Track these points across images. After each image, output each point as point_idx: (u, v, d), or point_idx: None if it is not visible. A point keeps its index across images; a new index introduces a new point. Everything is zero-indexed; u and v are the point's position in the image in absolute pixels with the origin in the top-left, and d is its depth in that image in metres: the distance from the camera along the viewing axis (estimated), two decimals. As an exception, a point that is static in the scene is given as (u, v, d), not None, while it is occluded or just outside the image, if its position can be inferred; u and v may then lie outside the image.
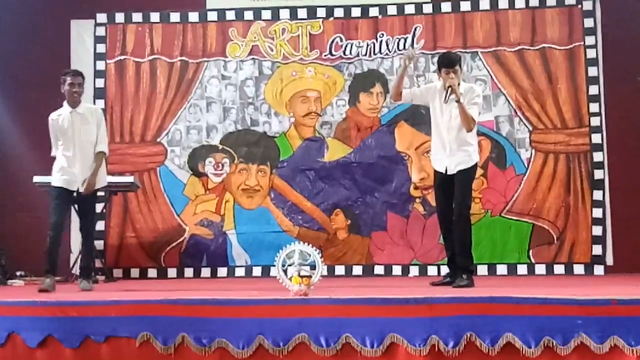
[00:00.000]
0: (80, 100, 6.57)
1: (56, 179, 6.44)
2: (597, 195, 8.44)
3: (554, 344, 4.36)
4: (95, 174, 6.45)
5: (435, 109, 6.33)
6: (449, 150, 6.22)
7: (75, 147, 6.44)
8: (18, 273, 8.25)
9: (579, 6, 8.67)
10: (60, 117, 6.51)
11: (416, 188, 8.60)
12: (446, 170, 6.25)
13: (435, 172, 6.42)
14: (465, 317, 4.49)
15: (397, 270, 8.53)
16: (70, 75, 6.51)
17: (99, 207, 8.55)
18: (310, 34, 8.96)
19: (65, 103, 6.54)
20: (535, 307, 4.46)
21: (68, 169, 6.41)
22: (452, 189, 6.26)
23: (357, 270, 8.59)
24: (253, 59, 8.99)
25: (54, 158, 6.54)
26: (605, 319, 4.34)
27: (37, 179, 7.73)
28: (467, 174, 6.24)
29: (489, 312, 4.49)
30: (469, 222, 6.29)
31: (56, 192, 6.40)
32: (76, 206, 6.79)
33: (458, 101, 6.03)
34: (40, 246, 7.97)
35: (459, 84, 6.15)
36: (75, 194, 6.46)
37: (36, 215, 8.23)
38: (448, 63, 6.19)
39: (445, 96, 6.15)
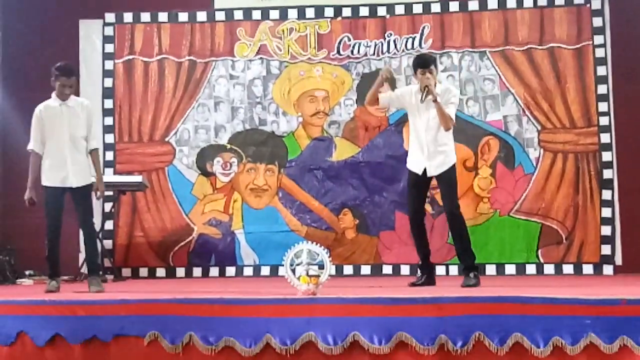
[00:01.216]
0: (70, 96, 6.34)
1: (48, 179, 6.22)
2: (606, 194, 8.42)
3: (563, 343, 4.33)
4: (100, 177, 6.41)
5: (413, 111, 6.31)
6: (427, 151, 6.20)
7: (65, 141, 6.20)
8: (27, 272, 8.29)
9: (588, 5, 8.64)
10: (47, 109, 6.28)
11: (424, 188, 8.58)
12: (424, 172, 6.24)
13: (410, 173, 6.40)
14: (473, 317, 4.46)
15: (405, 269, 8.52)
16: (63, 76, 6.22)
17: (107, 207, 8.64)
18: (318, 33, 8.96)
19: (53, 95, 6.30)
20: (544, 307, 4.44)
21: (59, 166, 6.19)
22: (426, 191, 6.40)
23: (366, 269, 8.60)
24: (261, 58, 9.00)
25: (29, 153, 6.29)
26: (615, 319, 4.31)
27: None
28: (449, 175, 6.26)
29: (498, 311, 4.47)
30: (463, 220, 6.29)
31: (50, 193, 6.21)
32: (73, 202, 6.41)
33: (435, 100, 6.04)
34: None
35: (435, 85, 6.15)
36: (69, 190, 6.24)
37: (44, 215, 8.25)
38: (422, 64, 6.20)
39: (422, 96, 6.13)
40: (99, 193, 6.39)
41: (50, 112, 6.27)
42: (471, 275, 6.12)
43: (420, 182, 6.32)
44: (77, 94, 6.73)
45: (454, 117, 6.18)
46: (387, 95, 6.65)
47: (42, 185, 6.27)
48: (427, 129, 6.21)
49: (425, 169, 6.24)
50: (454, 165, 6.30)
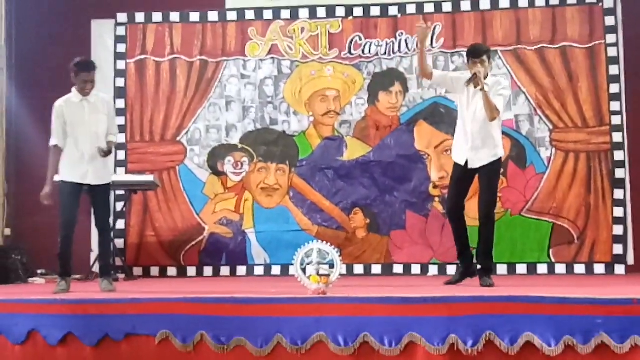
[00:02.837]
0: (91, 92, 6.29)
1: (67, 174, 6.17)
2: (618, 194, 8.38)
3: (575, 343, 4.32)
4: (111, 145, 6.27)
5: (462, 101, 6.24)
6: (472, 143, 6.13)
7: (86, 138, 6.17)
8: (39, 271, 8.32)
9: (600, 4, 8.59)
10: (68, 104, 6.24)
11: (435, 187, 8.58)
12: (466, 164, 6.17)
13: (455, 165, 6.33)
14: (484, 317, 4.46)
15: (416, 269, 8.52)
16: (84, 71, 6.18)
17: (119, 206, 8.66)
18: (329, 33, 8.96)
19: (74, 90, 6.26)
20: (555, 306, 4.43)
21: (79, 162, 6.15)
22: (468, 185, 6.25)
23: (376, 269, 8.59)
24: (272, 58, 9.01)
25: (49, 148, 6.26)
26: (626, 319, 4.30)
27: (57, 178, 7.75)
28: (492, 171, 6.16)
29: (508, 311, 4.46)
30: (494, 223, 6.21)
31: (67, 189, 6.13)
32: (91, 201, 6.39)
33: (482, 89, 5.94)
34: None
35: (486, 76, 6.08)
36: (87, 187, 6.21)
37: (57, 214, 8.26)
38: (474, 53, 6.14)
39: (469, 81, 6.05)
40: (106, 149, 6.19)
41: (72, 107, 6.23)
42: (487, 277, 6.09)
43: (463, 175, 6.23)
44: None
45: (501, 109, 6.08)
46: (443, 74, 6.65)
47: (60, 181, 6.22)
48: (473, 120, 6.13)
49: (467, 161, 6.18)
50: (498, 160, 6.20)
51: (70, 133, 6.20)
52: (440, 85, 7.00)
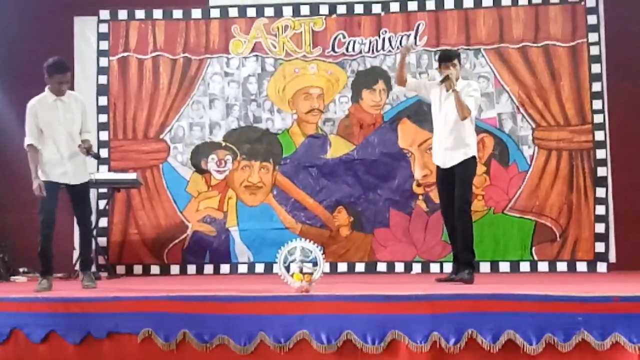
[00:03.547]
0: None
1: (46, 173, 6.16)
2: (600, 192, 8.42)
3: (555, 341, 4.36)
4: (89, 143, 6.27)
5: (435, 104, 6.48)
6: (445, 144, 6.34)
7: (62, 137, 6.18)
8: (21, 269, 8.28)
9: (582, 3, 8.62)
10: (42, 104, 6.22)
11: (419, 185, 8.59)
12: (444, 164, 6.37)
13: (437, 168, 6.55)
14: (466, 314, 4.49)
15: (399, 267, 8.54)
16: (58, 73, 6.18)
17: (102, 204, 8.63)
18: (312, 30, 8.95)
19: (47, 90, 6.25)
20: (537, 304, 4.46)
21: (58, 162, 6.18)
22: (452, 186, 6.35)
23: (360, 267, 8.59)
24: (256, 55, 8.99)
25: (24, 149, 6.23)
26: (607, 316, 4.34)
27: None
28: (465, 168, 6.32)
29: (491, 309, 4.50)
30: (470, 217, 6.35)
31: (46, 188, 6.10)
32: (70, 199, 6.44)
33: (454, 90, 6.15)
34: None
35: (457, 79, 6.31)
36: (65, 186, 6.25)
37: (38, 210, 8.25)
38: (446, 58, 6.41)
39: (441, 82, 6.30)
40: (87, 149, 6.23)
41: (45, 107, 6.22)
42: (466, 270, 6.15)
43: (444, 176, 6.43)
44: (72, 90, 6.68)
45: (472, 110, 6.27)
46: (416, 81, 6.95)
47: (42, 181, 6.18)
48: (445, 122, 6.35)
49: (443, 161, 6.39)
50: (470, 159, 6.34)
51: (46, 133, 6.20)
52: (414, 91, 7.09)
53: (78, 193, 6.33)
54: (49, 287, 6.04)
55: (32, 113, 6.23)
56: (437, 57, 6.64)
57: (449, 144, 6.32)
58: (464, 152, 6.30)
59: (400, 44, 8.74)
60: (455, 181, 6.33)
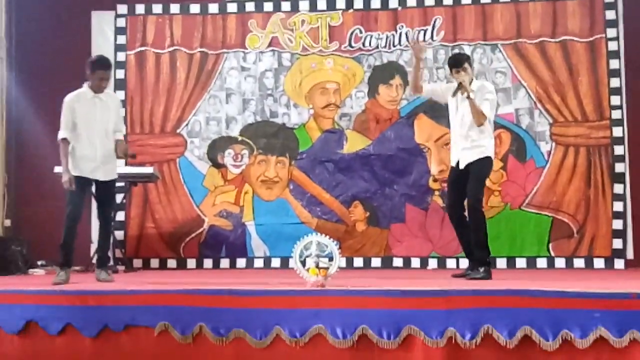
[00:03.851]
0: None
1: (76, 168, 6.17)
2: (618, 188, 8.39)
3: (572, 337, 4.33)
4: (125, 147, 6.48)
5: (452, 107, 6.45)
6: (462, 146, 6.32)
7: (96, 135, 6.23)
8: (39, 262, 8.32)
9: (601, -2, 8.60)
10: (80, 99, 6.24)
11: (435, 180, 8.59)
12: (458, 164, 6.35)
13: (450, 168, 6.55)
14: (482, 310, 4.46)
15: (415, 262, 8.53)
16: (101, 69, 6.22)
17: (119, 198, 8.66)
18: (329, 25, 8.95)
19: (86, 86, 6.29)
20: (553, 300, 4.44)
21: (90, 157, 6.21)
22: (464, 187, 6.32)
23: (376, 262, 8.60)
24: (272, 50, 9.00)
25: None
26: (624, 313, 4.31)
27: (58, 169, 7.74)
28: (479, 167, 6.28)
29: (507, 304, 4.47)
30: (482, 215, 6.29)
31: (76, 182, 6.12)
32: (96, 195, 6.56)
33: (468, 97, 6.14)
34: (61, 235, 8.09)
35: (471, 82, 6.30)
36: (94, 182, 6.31)
37: (57, 205, 8.21)
38: (454, 64, 6.37)
39: (455, 92, 6.31)
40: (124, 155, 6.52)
41: (83, 103, 6.25)
42: (480, 269, 6.13)
43: (457, 177, 6.40)
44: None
45: (488, 113, 6.23)
46: (432, 87, 6.87)
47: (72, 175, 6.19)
48: (461, 124, 6.32)
49: (459, 161, 6.36)
50: (484, 158, 6.30)
51: (81, 128, 6.22)
52: (432, 97, 7.07)
53: (105, 190, 6.39)
54: (67, 279, 6.07)
55: (69, 107, 6.23)
56: (447, 62, 6.56)
57: (465, 145, 6.30)
58: (480, 152, 6.27)
59: (417, 39, 8.72)
60: (468, 179, 6.31)
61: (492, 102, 6.37)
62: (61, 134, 6.20)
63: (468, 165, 6.28)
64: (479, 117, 6.15)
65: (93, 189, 6.47)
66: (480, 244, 6.26)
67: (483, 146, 6.28)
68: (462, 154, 6.32)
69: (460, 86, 6.24)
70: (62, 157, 6.19)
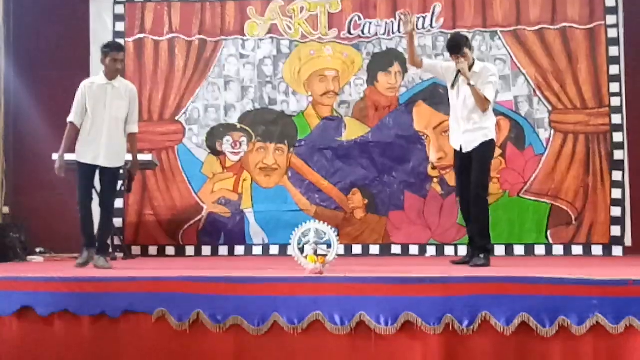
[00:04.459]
0: (119, 74, 6.44)
1: (82, 155, 6.27)
2: (617, 176, 8.39)
3: (569, 323, 4.35)
4: (137, 160, 6.57)
5: (452, 90, 6.38)
6: (464, 128, 6.27)
7: (104, 120, 6.27)
8: (37, 249, 8.32)
9: (600, -15, 8.58)
10: (94, 85, 6.33)
11: (434, 168, 8.58)
12: (461, 148, 6.30)
13: (454, 153, 6.48)
14: (480, 297, 4.48)
15: (414, 249, 8.54)
16: (113, 50, 6.33)
17: (117, 185, 8.65)
18: (328, 12, 8.92)
19: (102, 73, 6.38)
20: (551, 287, 4.45)
21: (94, 143, 6.25)
22: (470, 170, 6.28)
23: (374, 249, 8.60)
24: (271, 37, 8.98)
25: (66, 124, 6.33)
26: (621, 300, 4.32)
27: (56, 156, 7.75)
28: (483, 153, 6.24)
29: (504, 291, 4.48)
30: (486, 202, 6.31)
31: (82, 169, 6.27)
32: (100, 181, 6.52)
33: (469, 84, 6.09)
34: (60, 223, 8.14)
35: (472, 65, 6.24)
36: (98, 169, 6.34)
37: (55, 192, 8.30)
38: (452, 49, 6.28)
39: (454, 82, 6.25)
40: (134, 169, 6.59)
41: (96, 89, 6.32)
42: (481, 255, 6.14)
43: (461, 161, 6.35)
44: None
45: (490, 97, 6.18)
46: (433, 63, 6.76)
47: (76, 161, 6.33)
48: (463, 106, 6.26)
49: (461, 146, 6.31)
50: (488, 142, 6.26)
51: (90, 114, 6.29)
52: (430, 73, 7.03)
53: (107, 176, 6.41)
54: (89, 258, 6.26)
55: (80, 92, 6.35)
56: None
57: (468, 127, 6.24)
58: (484, 134, 6.23)
59: (417, 26, 8.69)
60: (472, 165, 6.29)
61: (495, 85, 6.33)
62: (69, 117, 6.32)
63: (471, 150, 6.25)
64: (482, 103, 6.12)
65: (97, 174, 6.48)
66: (483, 231, 6.27)
67: (486, 128, 6.24)
68: (465, 137, 6.26)
69: (458, 73, 6.20)
70: (63, 139, 6.29)
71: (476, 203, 6.25)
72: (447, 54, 8.30)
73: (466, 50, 6.22)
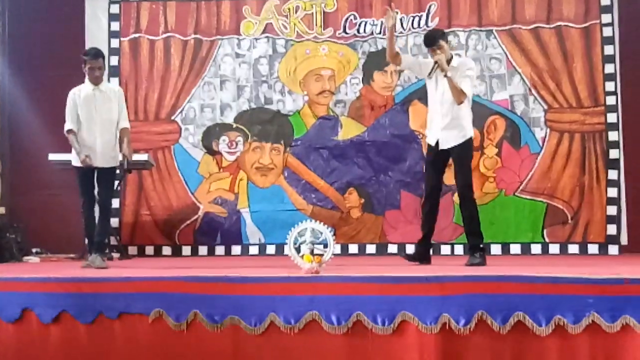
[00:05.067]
0: (102, 80, 6.60)
1: (78, 160, 6.42)
2: (612, 174, 8.40)
3: (565, 323, 4.35)
4: (130, 148, 6.59)
5: (431, 83, 6.36)
6: (442, 124, 6.24)
7: (96, 124, 6.46)
8: (34, 250, 8.31)
9: (596, -16, 8.58)
10: (81, 92, 6.50)
11: (430, 167, 8.57)
12: (437, 144, 6.26)
13: (428, 147, 6.46)
14: (476, 296, 4.48)
15: (410, 249, 8.46)
16: (90, 58, 6.49)
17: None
18: (324, 11, 8.92)
19: (86, 80, 6.53)
20: (547, 285, 4.45)
21: (88, 146, 6.41)
22: (443, 167, 6.36)
23: (371, 249, 8.61)
24: (267, 37, 8.97)
25: (62, 123, 6.49)
26: (617, 298, 4.33)
27: (52, 156, 7.78)
28: (464, 153, 6.27)
29: (500, 290, 4.49)
30: (473, 201, 6.30)
31: (81, 173, 6.45)
32: (97, 181, 6.68)
33: (445, 75, 6.08)
34: (56, 223, 8.15)
35: (450, 59, 6.24)
36: (96, 170, 6.49)
37: (51, 192, 8.32)
38: (429, 43, 6.29)
39: (431, 71, 6.21)
40: (125, 163, 6.57)
41: (83, 96, 6.49)
42: (476, 254, 6.15)
43: (435, 157, 6.34)
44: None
45: (468, 91, 6.18)
46: (411, 59, 6.71)
47: (74, 166, 6.51)
48: (442, 101, 6.24)
49: (438, 141, 6.27)
50: (468, 140, 6.28)
51: (82, 120, 6.48)
52: (410, 70, 7.03)
53: (103, 176, 6.57)
54: (96, 261, 6.29)
55: (70, 100, 6.51)
56: (417, 40, 6.52)
57: (445, 123, 6.22)
58: (462, 134, 6.23)
59: (412, 25, 8.72)
60: (446, 163, 6.34)
61: (472, 79, 6.36)
62: (66, 126, 6.49)
63: (450, 149, 6.24)
64: (458, 95, 6.11)
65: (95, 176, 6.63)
66: (475, 230, 6.29)
67: (462, 125, 6.23)
68: (442, 134, 6.24)
69: (435, 66, 6.17)
70: (73, 145, 6.46)
71: (465, 203, 6.26)
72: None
73: (442, 42, 6.22)
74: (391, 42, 6.41)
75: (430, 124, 6.43)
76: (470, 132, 6.30)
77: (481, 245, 6.29)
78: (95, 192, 6.58)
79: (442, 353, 4.46)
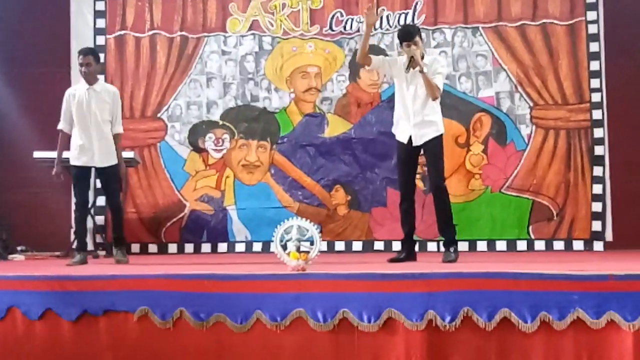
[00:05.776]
0: (95, 78, 6.67)
1: (76, 158, 6.53)
2: (598, 171, 8.43)
3: (550, 319, 4.36)
4: (121, 160, 6.70)
5: (401, 80, 6.28)
6: (414, 120, 6.19)
7: (91, 124, 6.52)
8: (19, 248, 8.28)
9: (580, -20, 8.61)
10: (76, 92, 6.58)
11: (416, 164, 8.58)
12: (410, 141, 6.22)
13: (399, 144, 6.38)
14: (462, 293, 4.49)
15: (397, 245, 8.47)
16: (79, 55, 6.61)
17: (99, 183, 8.62)
18: (310, 9, 8.92)
19: (82, 79, 6.61)
20: (532, 282, 4.46)
21: (85, 146, 6.50)
22: (416, 163, 6.37)
23: (357, 246, 8.62)
24: (253, 34, 8.96)
25: (57, 132, 6.60)
26: (602, 295, 4.34)
27: (37, 154, 7.75)
28: (436, 146, 6.23)
29: (486, 287, 4.49)
30: (447, 194, 6.29)
31: (77, 172, 6.54)
32: (100, 182, 6.93)
33: (421, 71, 6.03)
34: (41, 221, 8.12)
35: (422, 57, 6.17)
36: (95, 169, 6.63)
37: (36, 190, 8.29)
38: (405, 36, 6.19)
39: (407, 66, 6.12)
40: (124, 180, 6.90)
41: (78, 97, 6.57)
42: (451, 250, 6.18)
43: (408, 153, 6.30)
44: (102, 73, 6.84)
45: (441, 87, 6.16)
46: (380, 59, 6.58)
47: (71, 165, 6.57)
48: (414, 98, 6.19)
49: (410, 138, 6.22)
50: (441, 136, 6.25)
51: (77, 120, 6.56)
52: (379, 70, 7.02)
53: (105, 175, 6.67)
54: (83, 260, 6.47)
55: (66, 101, 6.62)
56: (397, 35, 6.43)
57: (419, 120, 6.17)
58: (436, 129, 6.20)
59: (398, 22, 8.72)
60: (417, 160, 6.36)
61: (444, 76, 6.32)
62: (59, 125, 6.63)
63: (423, 144, 6.21)
64: (433, 91, 6.06)
65: (93, 176, 6.87)
66: (449, 222, 6.30)
67: (435, 121, 6.21)
68: (415, 130, 6.18)
69: (411, 60, 6.08)
70: (58, 147, 6.61)
71: (439, 195, 6.24)
72: (428, 51, 8.47)
73: (417, 38, 6.16)
74: (366, 41, 6.27)
75: (400, 121, 6.35)
76: (442, 128, 6.26)
77: (455, 238, 6.32)
78: (91, 193, 6.72)
79: (428, 349, 4.46)
